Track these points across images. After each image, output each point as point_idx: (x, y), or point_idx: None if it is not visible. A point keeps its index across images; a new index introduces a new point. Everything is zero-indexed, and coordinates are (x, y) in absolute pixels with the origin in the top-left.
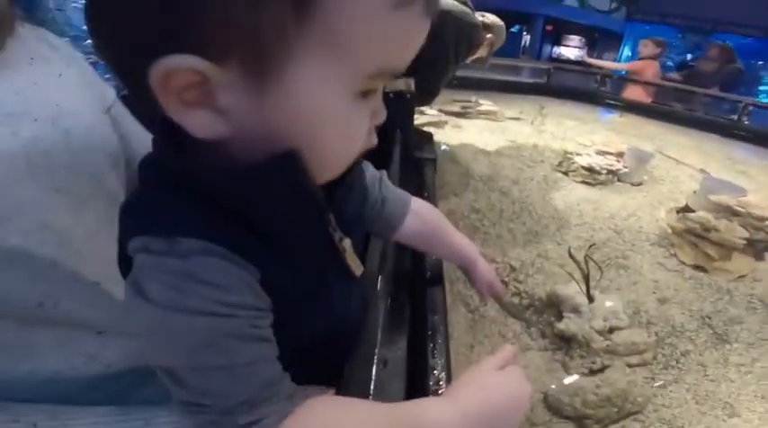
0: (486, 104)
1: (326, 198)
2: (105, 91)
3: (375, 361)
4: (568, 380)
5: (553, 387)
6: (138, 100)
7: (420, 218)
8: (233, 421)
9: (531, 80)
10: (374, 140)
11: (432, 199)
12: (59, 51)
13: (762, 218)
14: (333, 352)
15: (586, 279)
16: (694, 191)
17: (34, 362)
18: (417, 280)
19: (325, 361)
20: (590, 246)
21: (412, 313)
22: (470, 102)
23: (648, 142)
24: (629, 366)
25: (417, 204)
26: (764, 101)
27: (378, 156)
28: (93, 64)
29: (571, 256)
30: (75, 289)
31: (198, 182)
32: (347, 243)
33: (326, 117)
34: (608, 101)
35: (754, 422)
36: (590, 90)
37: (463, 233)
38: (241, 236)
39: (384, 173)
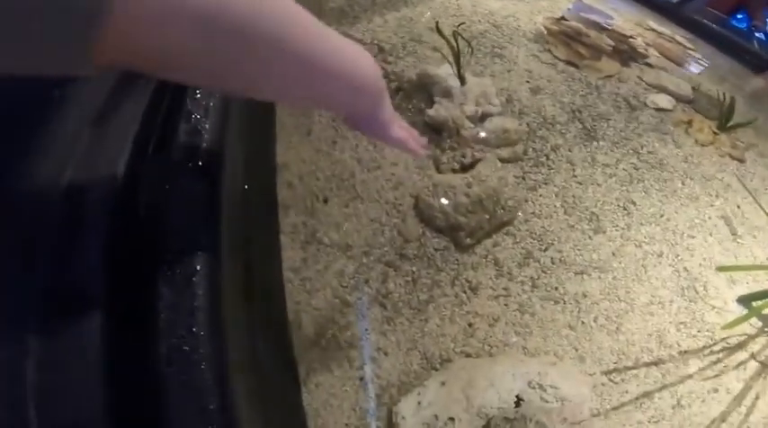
0: None
1: None
2: None
3: None
4: (438, 179)
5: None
6: None
7: None
8: None
9: None
10: None
11: None
12: None
13: (625, 36)
14: None
15: (456, 56)
16: (568, 8)
17: None
18: None
19: None
20: (459, 24)
21: None
22: None
23: None
24: (501, 160)
25: None
26: None
27: None
28: None
29: (439, 31)
30: None
31: None
32: None
33: None
34: None
35: (617, 240)
36: None
37: (328, 18)
38: None
39: None
